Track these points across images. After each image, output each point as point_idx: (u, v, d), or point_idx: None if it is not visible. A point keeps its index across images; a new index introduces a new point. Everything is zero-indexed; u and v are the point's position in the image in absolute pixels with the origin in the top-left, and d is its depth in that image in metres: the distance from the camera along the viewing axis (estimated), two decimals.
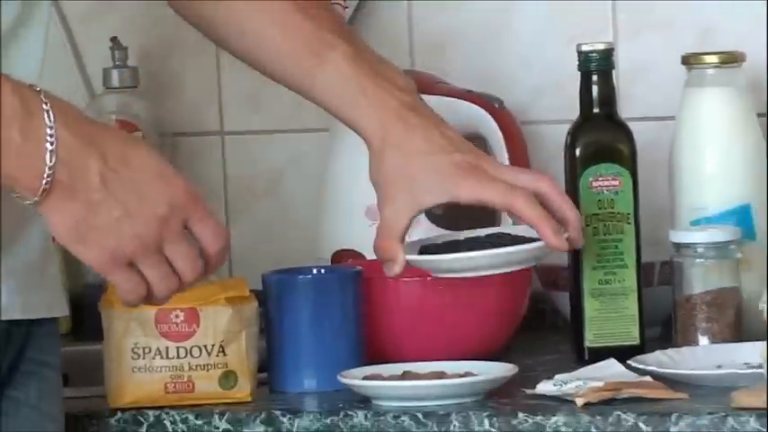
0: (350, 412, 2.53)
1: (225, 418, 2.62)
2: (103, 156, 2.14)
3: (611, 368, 2.65)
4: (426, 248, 2.63)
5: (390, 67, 2.76)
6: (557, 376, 2.57)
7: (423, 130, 2.67)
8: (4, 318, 2.32)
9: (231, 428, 2.60)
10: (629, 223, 2.90)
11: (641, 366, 2.60)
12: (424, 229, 2.93)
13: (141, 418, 2.66)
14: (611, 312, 2.89)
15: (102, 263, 2.11)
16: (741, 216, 3.02)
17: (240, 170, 3.66)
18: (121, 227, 2.13)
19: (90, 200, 2.14)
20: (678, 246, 2.88)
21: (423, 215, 2.86)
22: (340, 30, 2.82)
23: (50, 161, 2.09)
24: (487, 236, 2.66)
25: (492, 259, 2.60)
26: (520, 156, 3.15)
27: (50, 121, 2.10)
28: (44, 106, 2.09)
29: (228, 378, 2.68)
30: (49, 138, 2.10)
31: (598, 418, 2.45)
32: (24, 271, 2.44)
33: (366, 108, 2.73)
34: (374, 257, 2.76)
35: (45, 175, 2.08)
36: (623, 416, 2.44)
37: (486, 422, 2.49)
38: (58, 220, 2.11)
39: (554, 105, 3.32)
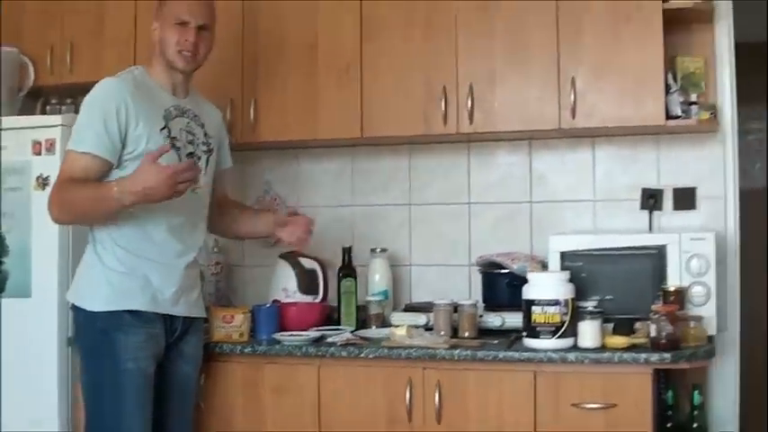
0: (276, 342, 3.49)
1: (238, 346, 3.49)
2: (138, 182, 2.93)
3: (345, 333, 3.54)
4: None
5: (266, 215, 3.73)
6: (335, 337, 3.49)
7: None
8: (195, 316, 3.33)
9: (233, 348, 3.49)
10: (354, 295, 3.77)
11: (360, 334, 3.52)
12: None
13: (218, 347, 3.48)
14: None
15: (155, 196, 2.95)
16: (384, 294, 3.85)
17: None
18: (154, 190, 2.94)
19: (140, 191, 2.94)
20: (367, 301, 3.75)
21: None
22: (263, 212, 3.81)
23: (118, 195, 2.96)
24: None
25: None
26: None
27: (115, 186, 2.98)
28: (114, 183, 3.00)
29: (241, 335, 3.51)
30: (115, 189, 2.97)
31: (345, 348, 3.38)
32: (197, 298, 3.37)
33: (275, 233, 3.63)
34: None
35: (118, 200, 2.96)
36: (350, 347, 3.37)
37: (312, 349, 3.43)
38: (135, 201, 2.96)
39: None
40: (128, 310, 3.16)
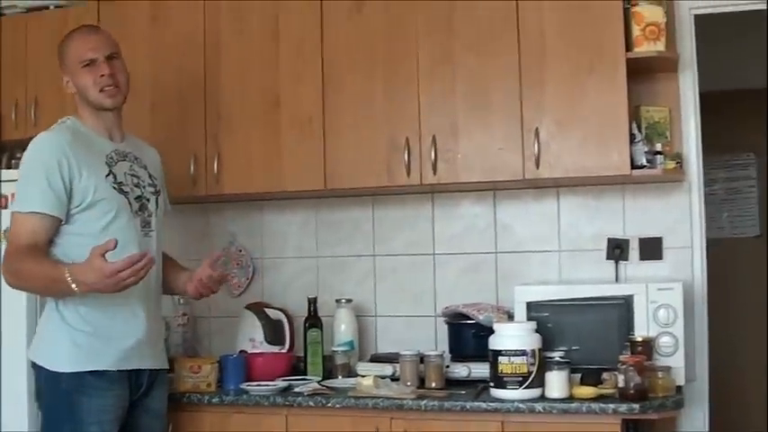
0: (244, 392, 3.48)
1: (205, 396, 3.51)
2: (85, 276, 2.83)
3: (312, 383, 3.56)
4: None
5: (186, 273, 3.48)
6: (302, 387, 3.50)
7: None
8: (161, 368, 3.29)
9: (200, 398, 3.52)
10: (320, 346, 3.77)
11: (327, 384, 3.52)
12: None
13: (186, 397, 3.49)
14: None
15: (103, 291, 2.86)
16: (350, 345, 3.82)
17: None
18: (98, 286, 2.84)
19: (88, 285, 2.85)
20: (333, 351, 3.72)
21: None
22: (182, 270, 3.52)
23: (71, 283, 2.87)
24: None
25: None
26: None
27: (67, 273, 2.87)
28: (66, 268, 2.90)
29: (209, 385, 3.52)
30: (68, 277, 2.86)
31: (312, 397, 3.37)
32: (161, 350, 3.33)
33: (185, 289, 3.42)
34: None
35: (72, 287, 2.87)
36: (317, 396, 3.37)
37: (279, 399, 3.42)
38: (86, 291, 2.89)
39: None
40: (92, 371, 3.09)
